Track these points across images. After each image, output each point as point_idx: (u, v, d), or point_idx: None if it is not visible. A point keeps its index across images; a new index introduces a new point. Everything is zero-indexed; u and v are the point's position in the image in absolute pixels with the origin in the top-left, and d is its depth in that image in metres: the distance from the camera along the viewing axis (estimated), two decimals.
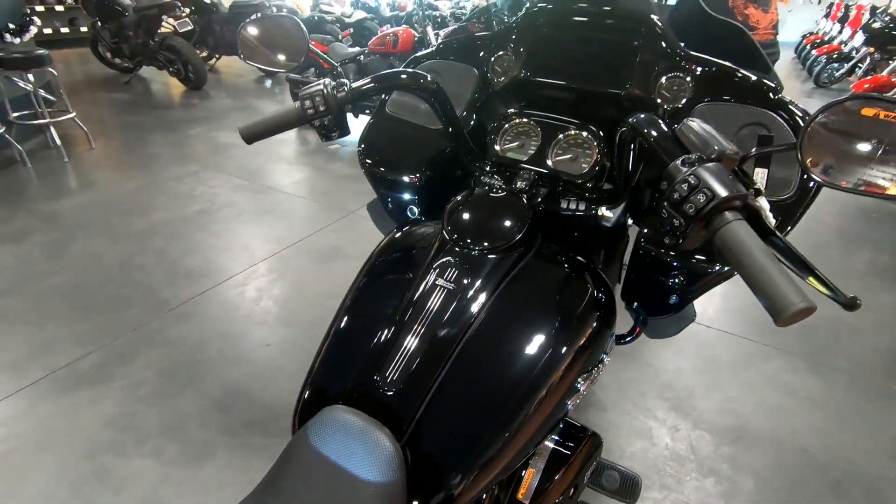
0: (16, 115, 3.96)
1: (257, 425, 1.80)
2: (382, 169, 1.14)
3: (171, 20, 6.48)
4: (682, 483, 1.68)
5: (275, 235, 3.06)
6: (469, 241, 0.82)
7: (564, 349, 0.76)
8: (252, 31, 1.05)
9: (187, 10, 6.94)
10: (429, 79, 0.90)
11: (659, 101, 0.99)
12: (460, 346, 0.75)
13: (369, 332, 0.79)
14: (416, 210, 1.14)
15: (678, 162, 0.62)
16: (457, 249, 0.82)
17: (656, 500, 1.62)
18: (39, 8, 8.02)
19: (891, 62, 6.27)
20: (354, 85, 0.86)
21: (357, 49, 5.38)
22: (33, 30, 4.13)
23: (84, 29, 8.10)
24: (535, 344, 0.75)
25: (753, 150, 0.66)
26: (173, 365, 2.03)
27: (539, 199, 0.97)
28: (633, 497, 1.09)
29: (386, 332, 0.77)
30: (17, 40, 4.00)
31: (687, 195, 0.58)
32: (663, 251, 0.85)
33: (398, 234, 0.98)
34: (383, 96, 1.23)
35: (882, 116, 0.58)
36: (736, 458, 1.77)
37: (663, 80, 0.99)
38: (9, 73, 3.76)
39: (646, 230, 0.89)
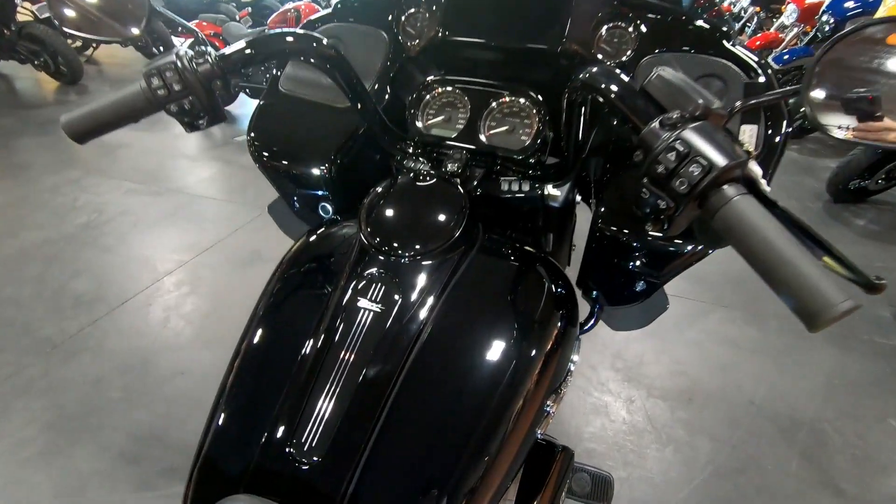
0: None
1: (178, 471, 1.54)
2: (283, 161, 0.92)
3: (28, 5, 5.56)
4: (644, 457, 1.64)
5: (181, 244, 2.69)
6: (395, 245, 0.64)
7: (527, 367, 0.62)
8: None
9: None
10: (324, 42, 0.69)
11: (599, 56, 0.85)
12: (397, 387, 0.58)
13: (275, 384, 0.59)
14: (329, 208, 0.94)
15: (655, 125, 0.48)
16: (381, 258, 0.64)
17: (622, 480, 1.56)
18: None
19: (775, 19, 6.70)
20: (224, 52, 0.64)
21: (256, 29, 4.91)
22: None
23: None
24: (490, 368, 0.60)
25: (738, 103, 0.54)
26: (63, 415, 1.70)
27: (475, 183, 0.81)
28: (607, 499, 0.99)
29: (298, 380, 0.59)
30: None
31: (675, 167, 0.44)
32: (626, 231, 0.72)
33: (307, 241, 0.78)
34: (275, 72, 1.00)
35: None
36: (691, 421, 1.76)
37: (603, 31, 0.85)
38: None
39: (602, 208, 0.75)
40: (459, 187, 0.70)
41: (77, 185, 3.27)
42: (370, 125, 0.83)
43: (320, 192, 0.92)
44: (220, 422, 0.60)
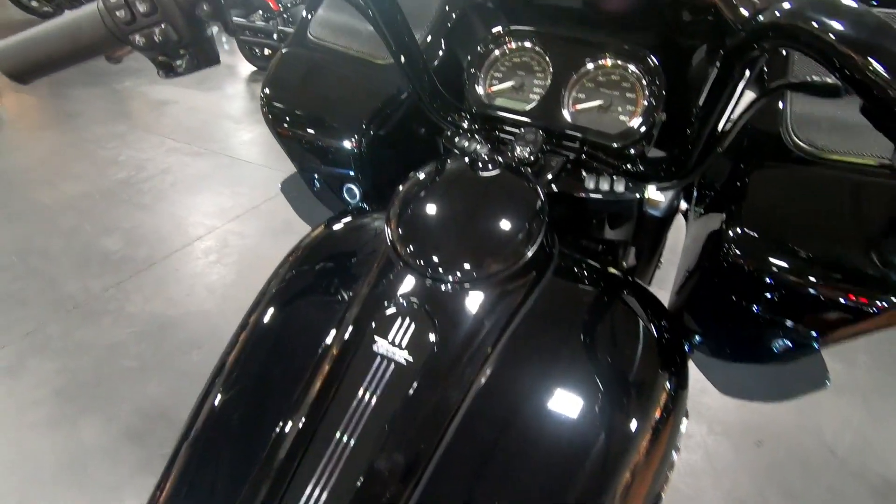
0: None
1: None
2: (304, 129, 0.73)
3: None
4: None
5: (215, 208, 2.59)
6: (436, 262, 0.44)
7: (626, 456, 0.41)
8: None
9: None
10: None
11: (741, 9, 0.60)
12: (423, 482, 0.38)
13: (244, 456, 0.41)
14: (355, 191, 0.75)
15: None
16: (413, 280, 0.44)
17: None
18: None
19: None
20: None
21: None
22: None
23: None
24: (573, 458, 0.40)
25: None
26: (74, 381, 1.62)
27: (550, 177, 0.60)
28: None
29: (275, 456, 0.40)
30: None
31: None
32: (790, 272, 0.48)
33: (319, 238, 0.59)
34: (305, 14, 0.80)
35: None
36: (758, 468, 1.51)
37: None
38: None
39: (738, 227, 0.52)
40: (534, 183, 0.48)
41: (121, 139, 3.23)
42: (416, 88, 0.63)
43: (347, 171, 0.72)
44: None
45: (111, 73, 4.47)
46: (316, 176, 0.77)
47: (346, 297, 0.50)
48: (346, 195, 0.76)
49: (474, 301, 0.43)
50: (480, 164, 0.48)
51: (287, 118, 0.73)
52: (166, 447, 1.44)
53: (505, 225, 0.44)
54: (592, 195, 0.60)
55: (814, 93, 0.40)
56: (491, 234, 0.44)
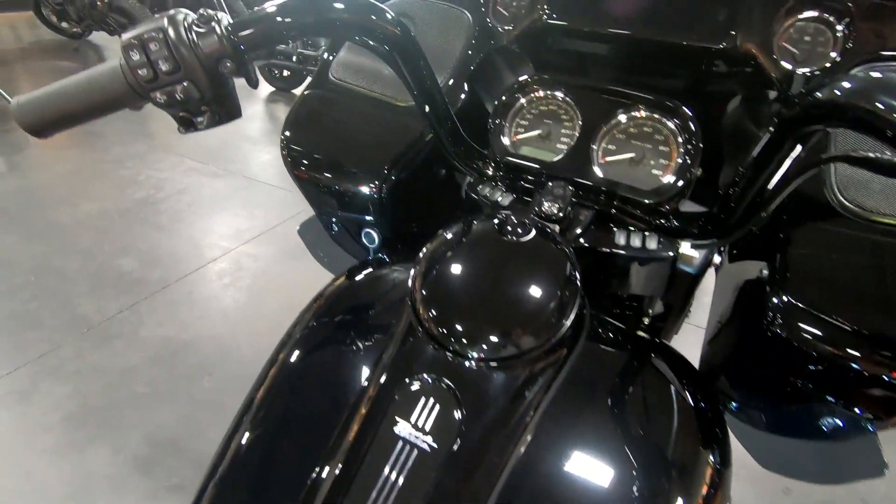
0: None
1: (186, 490, 1.40)
2: (323, 173, 0.71)
3: None
4: None
5: (230, 230, 2.61)
6: (464, 336, 0.41)
7: None
8: None
9: None
10: (388, 15, 0.48)
11: (783, 63, 0.58)
12: None
13: None
14: (374, 236, 0.73)
15: None
16: (438, 355, 0.41)
17: None
18: None
19: None
20: (243, 19, 0.44)
21: None
22: None
23: None
24: None
25: None
26: (85, 405, 1.61)
27: (578, 231, 0.57)
28: None
29: None
30: None
31: None
32: (852, 355, 0.44)
33: (342, 289, 0.57)
34: (325, 55, 0.80)
35: None
36: None
37: (790, 24, 0.58)
38: None
39: (784, 296, 0.48)
40: (568, 250, 0.46)
41: (141, 159, 3.28)
42: (438, 134, 0.61)
43: (366, 217, 0.70)
44: None
45: None
46: (334, 220, 0.76)
47: (369, 356, 0.48)
48: (364, 240, 0.74)
49: (505, 379, 0.41)
50: (510, 228, 0.45)
51: (306, 162, 0.71)
52: (173, 478, 1.42)
53: (539, 297, 0.42)
54: (620, 251, 0.57)
55: (874, 170, 0.37)
56: (525, 308, 0.41)
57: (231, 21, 0.44)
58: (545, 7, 0.66)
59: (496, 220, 0.46)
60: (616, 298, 0.65)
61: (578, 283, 0.44)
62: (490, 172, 0.64)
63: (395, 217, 0.71)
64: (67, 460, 1.45)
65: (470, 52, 0.73)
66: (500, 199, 0.62)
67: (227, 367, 1.79)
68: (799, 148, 0.40)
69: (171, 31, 0.41)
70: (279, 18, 0.43)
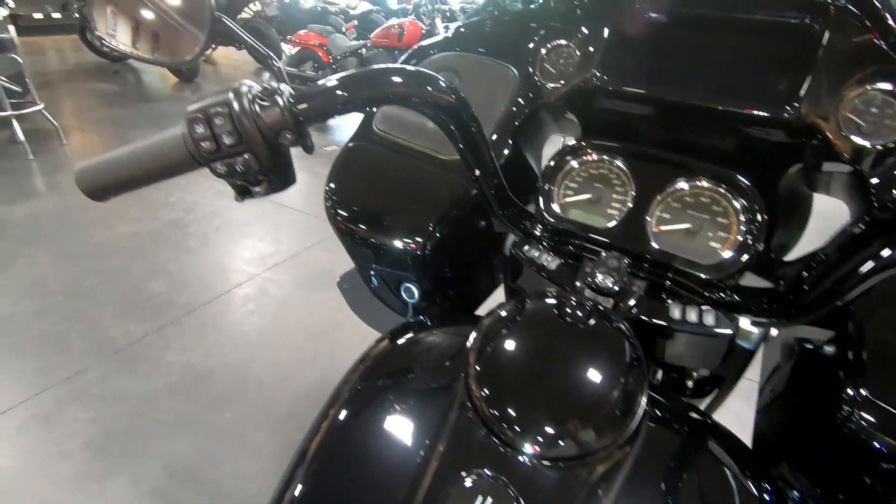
0: None
1: None
2: (366, 228, 0.71)
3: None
4: None
5: (256, 254, 2.64)
6: (523, 433, 0.39)
7: None
8: None
9: None
10: (441, 84, 0.47)
11: (849, 134, 0.56)
12: None
13: None
14: (414, 292, 0.72)
15: None
16: (495, 450, 0.39)
17: None
18: None
19: None
20: (305, 91, 0.44)
21: (359, 42, 4.95)
22: (1, 11, 3.71)
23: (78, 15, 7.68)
24: None
25: None
26: (107, 432, 1.61)
27: (632, 303, 0.55)
28: None
29: None
30: None
31: None
32: None
33: (386, 352, 0.56)
34: (369, 108, 0.80)
35: None
36: None
37: (856, 95, 0.56)
38: None
39: (869, 387, 0.45)
40: (634, 341, 0.43)
41: (173, 182, 3.34)
42: (484, 193, 0.60)
43: (407, 273, 0.69)
44: None
45: (169, 116, 4.75)
46: (374, 274, 0.75)
47: (419, 428, 0.45)
48: (404, 294, 0.73)
49: (570, 479, 0.38)
50: (570, 311, 0.43)
51: (348, 215, 0.71)
52: None
53: (606, 392, 0.39)
54: (675, 326, 0.55)
55: None
56: (592, 404, 0.39)
57: (293, 93, 0.44)
58: (596, 69, 0.65)
59: (555, 301, 0.44)
60: (670, 371, 0.62)
61: (646, 375, 0.42)
62: (537, 233, 0.63)
63: (437, 273, 0.69)
64: (84, 492, 1.44)
65: (515, 109, 0.73)
66: (546, 262, 0.60)
67: (248, 397, 1.78)
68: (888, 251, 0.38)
69: (235, 105, 0.41)
70: (339, 92, 0.43)
